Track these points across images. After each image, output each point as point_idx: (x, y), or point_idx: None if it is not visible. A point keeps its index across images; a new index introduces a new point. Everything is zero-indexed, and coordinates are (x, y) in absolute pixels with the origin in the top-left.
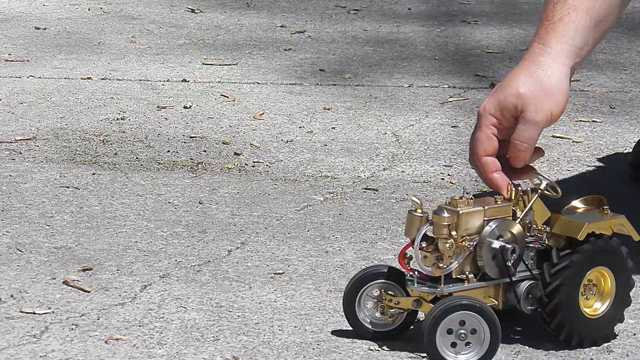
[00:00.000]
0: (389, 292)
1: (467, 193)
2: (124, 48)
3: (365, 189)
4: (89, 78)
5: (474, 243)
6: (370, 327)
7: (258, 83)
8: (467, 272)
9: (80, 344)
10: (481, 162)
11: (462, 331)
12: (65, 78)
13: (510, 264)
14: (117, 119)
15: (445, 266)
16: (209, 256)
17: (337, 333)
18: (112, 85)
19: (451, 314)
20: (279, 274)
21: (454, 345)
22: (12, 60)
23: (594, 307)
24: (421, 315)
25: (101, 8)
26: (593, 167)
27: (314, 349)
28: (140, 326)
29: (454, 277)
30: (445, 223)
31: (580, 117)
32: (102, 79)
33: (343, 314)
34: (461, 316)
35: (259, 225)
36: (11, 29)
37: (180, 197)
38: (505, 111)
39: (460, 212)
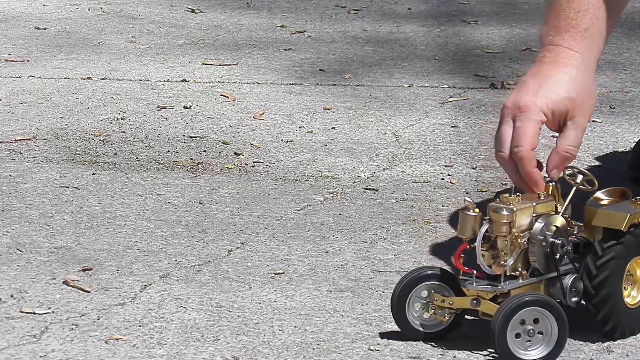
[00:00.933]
0: (439, 293)
1: (467, 193)
2: (124, 48)
3: (365, 189)
4: (89, 78)
5: (526, 239)
6: (420, 328)
7: (258, 83)
8: (519, 269)
9: (80, 344)
10: (527, 156)
11: (531, 327)
12: (65, 78)
13: (557, 258)
14: (117, 119)
15: (504, 263)
16: (209, 256)
17: (337, 333)
18: (112, 85)
19: (521, 310)
20: (279, 274)
21: (523, 341)
22: (12, 60)
23: (632, 295)
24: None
25: (101, 8)
26: (593, 167)
27: (314, 349)
28: (140, 326)
29: (507, 274)
30: (505, 221)
31: None
32: (102, 79)
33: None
34: (530, 312)
35: (259, 225)
36: (11, 29)
37: (180, 197)
38: (556, 113)
39: (515, 209)
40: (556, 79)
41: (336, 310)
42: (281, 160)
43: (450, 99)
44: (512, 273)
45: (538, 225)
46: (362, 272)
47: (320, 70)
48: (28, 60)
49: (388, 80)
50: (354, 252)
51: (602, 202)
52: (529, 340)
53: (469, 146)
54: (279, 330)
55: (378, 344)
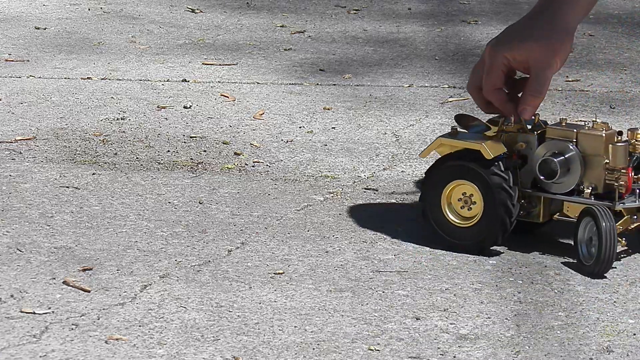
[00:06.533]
0: None
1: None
2: (124, 48)
3: (365, 189)
4: (89, 78)
5: None
6: None
7: (258, 83)
8: None
9: (80, 344)
10: (492, 95)
11: None
12: (65, 78)
13: None
14: (117, 119)
15: None
16: (209, 256)
17: (337, 333)
18: (112, 85)
19: None
20: (279, 274)
21: None
22: (12, 60)
23: None
24: None
25: (101, 8)
26: None
27: (314, 349)
28: (140, 326)
29: None
30: None
31: (580, 117)
32: (102, 79)
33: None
34: None
35: (259, 225)
36: (11, 29)
37: (180, 197)
38: (518, 58)
39: None
40: (517, 28)
41: (336, 310)
42: (281, 160)
43: (450, 99)
44: None
45: None
46: (362, 272)
47: (320, 70)
48: (28, 60)
49: (388, 80)
50: (354, 252)
51: None
52: None
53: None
54: (279, 330)
55: (378, 344)
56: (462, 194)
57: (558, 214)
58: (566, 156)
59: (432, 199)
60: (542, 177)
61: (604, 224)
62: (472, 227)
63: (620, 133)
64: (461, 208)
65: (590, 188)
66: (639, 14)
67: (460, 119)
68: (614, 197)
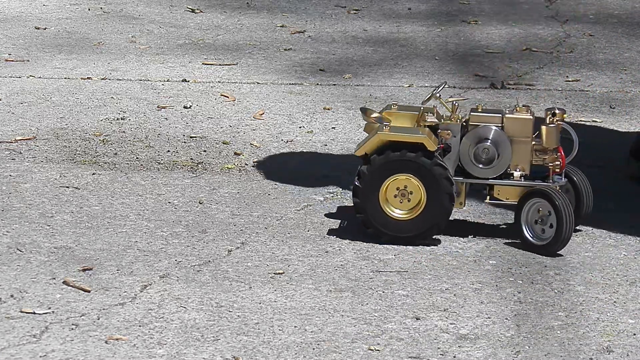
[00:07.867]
0: None
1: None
2: (124, 48)
3: None
4: (89, 78)
5: None
6: None
7: (258, 83)
8: None
9: (80, 344)
10: None
11: None
12: (65, 78)
13: None
14: (117, 119)
15: None
16: (209, 256)
17: (337, 333)
18: (112, 85)
19: None
20: (279, 274)
21: None
22: (12, 60)
23: None
24: None
25: (101, 8)
26: (593, 167)
27: (314, 349)
28: (140, 326)
29: None
30: None
31: (581, 117)
32: (102, 79)
33: (342, 315)
34: None
35: (259, 225)
36: (11, 29)
37: (180, 197)
38: None
39: None
40: None
41: (336, 310)
42: (281, 161)
43: (450, 99)
44: None
45: None
46: (362, 272)
47: (320, 70)
48: (28, 60)
49: (388, 80)
50: (354, 252)
51: None
52: None
53: None
54: (279, 330)
55: (378, 344)
56: (398, 188)
57: (488, 198)
58: (497, 141)
59: (369, 196)
60: (480, 166)
61: (559, 202)
62: (414, 219)
63: (554, 114)
64: (400, 202)
65: (518, 170)
66: (639, 14)
67: (364, 111)
68: (546, 177)
